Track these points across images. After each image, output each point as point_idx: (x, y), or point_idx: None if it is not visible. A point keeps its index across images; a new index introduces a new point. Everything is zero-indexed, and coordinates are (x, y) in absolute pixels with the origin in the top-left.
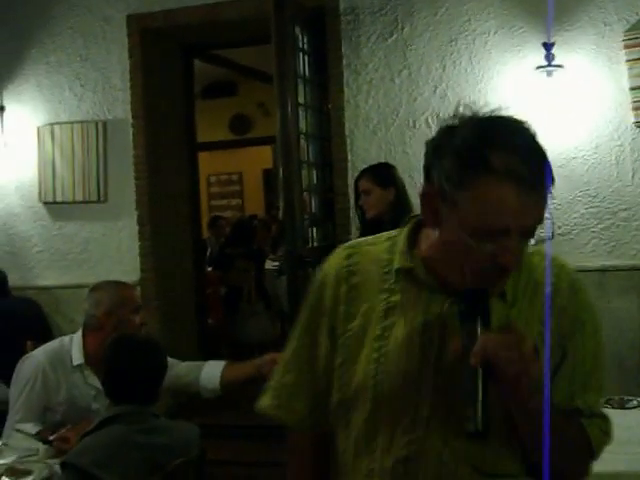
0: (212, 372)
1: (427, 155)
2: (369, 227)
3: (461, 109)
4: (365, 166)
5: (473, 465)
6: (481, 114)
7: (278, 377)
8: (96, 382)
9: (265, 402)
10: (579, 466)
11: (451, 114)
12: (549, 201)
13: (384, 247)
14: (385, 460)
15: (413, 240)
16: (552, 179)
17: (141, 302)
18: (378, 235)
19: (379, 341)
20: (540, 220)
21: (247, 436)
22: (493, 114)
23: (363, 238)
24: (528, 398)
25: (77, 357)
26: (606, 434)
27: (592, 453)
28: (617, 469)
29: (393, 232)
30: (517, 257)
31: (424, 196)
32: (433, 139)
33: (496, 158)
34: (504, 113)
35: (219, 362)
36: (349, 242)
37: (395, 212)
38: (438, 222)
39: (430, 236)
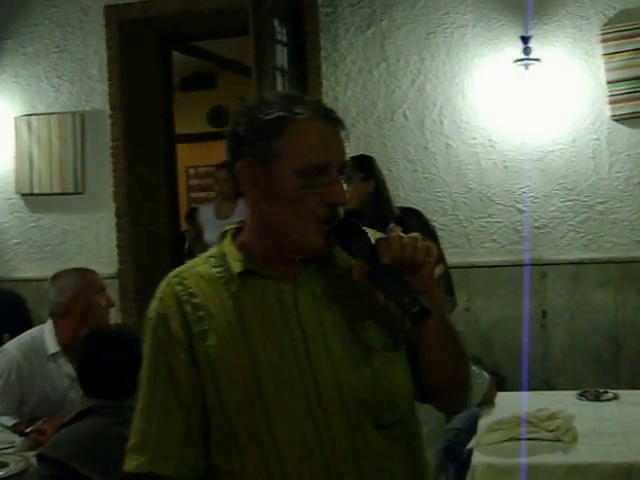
0: None
1: (232, 137)
2: (347, 222)
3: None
4: None
5: (375, 423)
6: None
7: (140, 431)
8: (71, 370)
9: (134, 462)
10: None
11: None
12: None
13: (209, 264)
14: (297, 451)
15: (238, 246)
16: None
17: (105, 285)
18: (198, 257)
19: (245, 346)
20: (346, 158)
21: None
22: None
23: (184, 265)
24: (433, 285)
25: (52, 346)
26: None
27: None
28: (593, 460)
29: (209, 252)
30: (342, 190)
31: (240, 169)
32: (234, 122)
33: (299, 109)
34: None
35: None
36: (172, 272)
37: (375, 203)
38: (261, 188)
39: (251, 233)
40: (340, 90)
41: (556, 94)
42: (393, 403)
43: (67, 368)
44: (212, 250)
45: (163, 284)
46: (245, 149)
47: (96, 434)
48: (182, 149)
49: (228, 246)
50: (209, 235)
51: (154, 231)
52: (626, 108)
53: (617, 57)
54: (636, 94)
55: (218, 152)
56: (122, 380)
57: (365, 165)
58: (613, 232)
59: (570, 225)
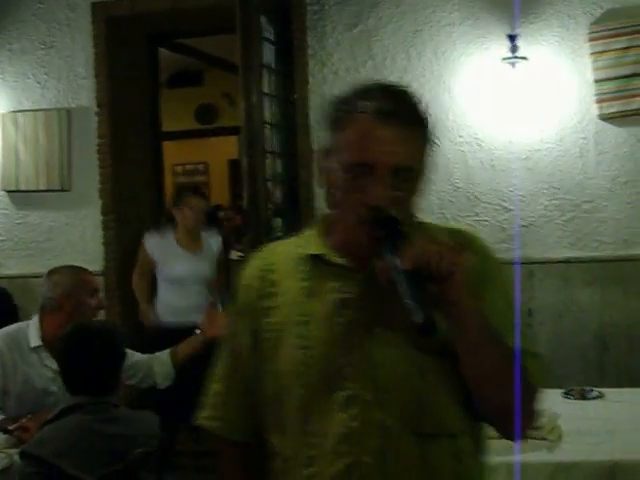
0: (162, 357)
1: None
2: None
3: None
4: None
5: (413, 430)
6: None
7: (209, 387)
8: (53, 364)
9: (201, 415)
10: (527, 402)
11: None
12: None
13: (294, 243)
14: (325, 442)
15: (324, 231)
16: (424, 119)
17: (99, 286)
18: (298, 233)
19: (300, 327)
20: (410, 159)
21: None
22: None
23: (286, 238)
24: (462, 297)
25: (34, 339)
26: (542, 369)
27: (535, 387)
28: (577, 459)
29: (303, 230)
30: (386, 194)
31: (316, 159)
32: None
33: (360, 101)
34: None
35: (162, 352)
36: (267, 245)
37: None
38: (327, 177)
39: (332, 221)
40: (327, 88)
41: (543, 93)
42: (434, 413)
43: (49, 362)
44: (304, 230)
45: (257, 252)
46: (321, 142)
47: (80, 431)
48: (169, 147)
49: (316, 227)
50: (178, 268)
51: (140, 229)
52: (613, 107)
53: (604, 56)
54: (623, 93)
55: (204, 150)
56: (105, 377)
57: None
58: (600, 231)
59: (557, 224)
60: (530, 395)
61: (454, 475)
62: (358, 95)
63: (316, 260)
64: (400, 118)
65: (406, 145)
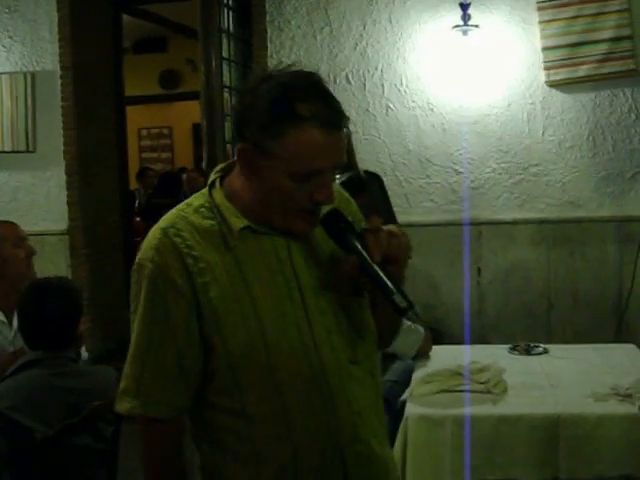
0: None
1: (237, 116)
2: None
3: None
4: None
5: (354, 360)
6: (277, 71)
7: (134, 375)
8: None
9: (127, 404)
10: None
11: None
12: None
13: (201, 215)
14: (297, 387)
15: (227, 200)
16: (347, 117)
17: (23, 234)
18: (179, 207)
19: (246, 294)
20: (343, 157)
21: None
22: (288, 69)
23: (169, 215)
24: (403, 273)
25: None
26: None
27: None
28: (522, 412)
29: (196, 198)
30: (331, 191)
31: (240, 152)
32: (239, 101)
33: (302, 107)
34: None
35: None
36: (162, 223)
37: (348, 157)
38: (258, 173)
39: (246, 191)
40: (284, 53)
41: (493, 60)
42: (364, 341)
43: None
44: (198, 199)
45: (157, 234)
46: (247, 133)
47: (38, 385)
48: (134, 111)
49: (221, 198)
50: None
51: (104, 189)
52: (560, 74)
53: (553, 25)
54: (570, 61)
55: (169, 114)
56: (62, 332)
57: None
58: (546, 193)
59: (505, 186)
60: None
61: (373, 388)
62: (297, 97)
63: (242, 231)
64: (341, 126)
65: (343, 146)
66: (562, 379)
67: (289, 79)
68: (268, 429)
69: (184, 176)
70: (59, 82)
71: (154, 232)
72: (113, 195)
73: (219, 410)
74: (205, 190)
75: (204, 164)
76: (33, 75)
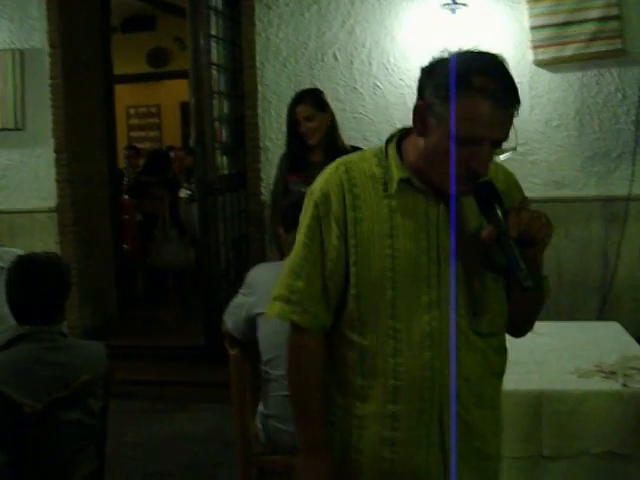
0: None
1: (421, 77)
2: (303, 155)
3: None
4: (275, 97)
5: (475, 330)
6: (465, 50)
7: (289, 284)
8: None
9: (277, 308)
10: (538, 313)
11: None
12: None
13: (373, 162)
14: (411, 338)
15: (398, 155)
16: (519, 101)
17: None
18: (362, 151)
19: (389, 239)
20: (507, 135)
21: (157, 357)
22: (475, 49)
23: (351, 155)
24: (541, 258)
25: None
26: (549, 288)
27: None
28: (506, 388)
29: (374, 149)
30: (487, 164)
31: (417, 109)
32: (427, 66)
33: (477, 79)
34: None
35: None
36: (340, 159)
37: (331, 134)
38: (426, 132)
39: (415, 149)
40: (272, 31)
41: (481, 38)
42: (492, 317)
43: None
44: (374, 149)
45: (332, 167)
46: (427, 92)
47: (27, 359)
48: (123, 90)
49: (392, 151)
50: None
51: (92, 166)
52: (547, 53)
53: (541, 4)
54: (558, 40)
55: (157, 93)
56: (51, 306)
57: (322, 98)
58: (533, 172)
59: None
60: (541, 308)
61: (498, 365)
62: (476, 70)
63: (402, 182)
64: (513, 104)
65: (509, 125)
66: (546, 356)
67: (474, 54)
68: (376, 367)
69: (172, 154)
70: (48, 60)
71: (331, 166)
72: (101, 173)
73: (342, 342)
74: (382, 144)
75: (192, 142)
76: (21, 53)
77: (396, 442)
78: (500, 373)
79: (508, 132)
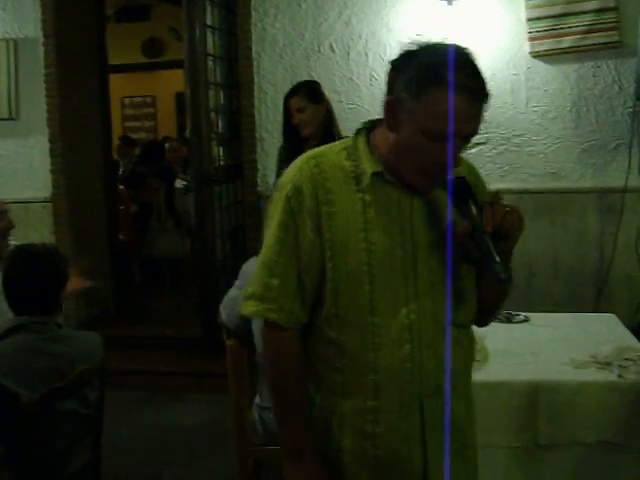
0: None
1: (390, 71)
2: (298, 146)
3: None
4: (271, 87)
5: (453, 321)
6: (433, 43)
7: (263, 282)
8: None
9: (252, 307)
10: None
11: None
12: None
13: (342, 156)
14: (390, 331)
15: (369, 148)
16: (488, 95)
17: (4, 207)
18: (331, 145)
19: (363, 233)
20: (477, 129)
21: (153, 347)
22: (442, 42)
23: (318, 149)
24: (512, 250)
25: None
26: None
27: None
28: (502, 378)
29: (342, 142)
30: (458, 159)
31: (387, 104)
32: (396, 59)
33: (447, 73)
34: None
35: None
36: (309, 153)
37: (326, 126)
38: (397, 127)
39: (385, 143)
40: (269, 21)
41: (478, 30)
42: (464, 307)
43: None
44: (344, 142)
45: (302, 160)
46: (395, 89)
47: (23, 350)
48: (117, 80)
49: (362, 144)
50: None
51: (87, 157)
52: (544, 45)
53: None
54: (554, 31)
55: (152, 83)
56: (47, 297)
57: (316, 90)
58: (529, 164)
59: (488, 157)
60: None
61: (470, 355)
62: (442, 63)
63: (374, 176)
64: (483, 98)
65: (480, 118)
66: (542, 347)
67: (442, 48)
68: (356, 362)
69: (167, 145)
70: (42, 49)
71: (300, 159)
72: (96, 163)
73: (319, 338)
74: (352, 136)
75: (187, 133)
76: (15, 42)
77: (378, 436)
78: (471, 364)
79: (478, 126)
